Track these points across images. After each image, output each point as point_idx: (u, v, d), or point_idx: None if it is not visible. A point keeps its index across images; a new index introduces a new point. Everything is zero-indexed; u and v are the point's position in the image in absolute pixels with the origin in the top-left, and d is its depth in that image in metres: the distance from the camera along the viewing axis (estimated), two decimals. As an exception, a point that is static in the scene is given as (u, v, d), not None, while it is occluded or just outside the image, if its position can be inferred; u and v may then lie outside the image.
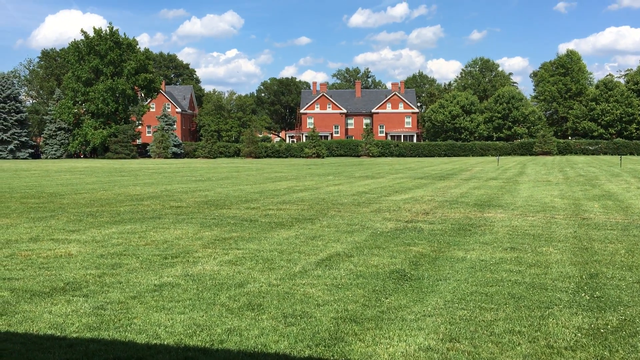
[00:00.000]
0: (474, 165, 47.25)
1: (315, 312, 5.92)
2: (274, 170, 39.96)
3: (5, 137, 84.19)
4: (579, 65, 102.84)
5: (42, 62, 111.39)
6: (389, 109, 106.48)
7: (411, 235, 10.62)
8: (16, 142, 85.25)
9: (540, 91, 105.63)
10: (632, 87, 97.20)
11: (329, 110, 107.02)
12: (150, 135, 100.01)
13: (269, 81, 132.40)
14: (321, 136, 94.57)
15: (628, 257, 8.72)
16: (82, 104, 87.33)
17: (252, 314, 5.83)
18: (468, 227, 11.75)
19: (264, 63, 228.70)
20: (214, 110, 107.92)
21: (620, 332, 5.37)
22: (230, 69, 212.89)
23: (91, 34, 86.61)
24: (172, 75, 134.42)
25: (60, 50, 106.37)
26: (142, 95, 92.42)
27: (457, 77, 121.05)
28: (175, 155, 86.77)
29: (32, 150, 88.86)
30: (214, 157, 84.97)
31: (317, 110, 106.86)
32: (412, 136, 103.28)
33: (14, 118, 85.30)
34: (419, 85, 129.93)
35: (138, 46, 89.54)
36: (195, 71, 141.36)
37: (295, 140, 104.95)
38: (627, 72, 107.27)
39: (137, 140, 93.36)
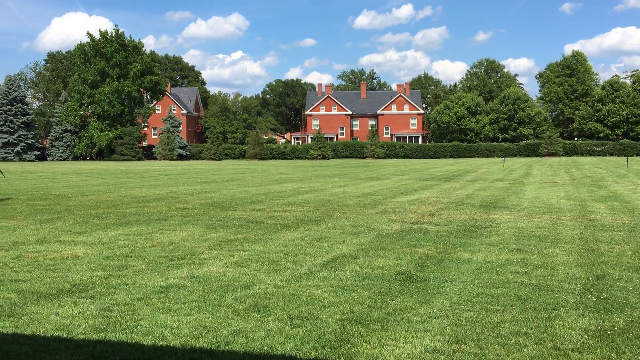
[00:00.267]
0: (479, 166, 47.17)
1: (321, 313, 5.92)
2: (280, 171, 39.98)
3: (11, 139, 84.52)
4: (585, 66, 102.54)
5: (48, 65, 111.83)
6: (394, 110, 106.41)
7: (417, 237, 10.61)
8: (23, 144, 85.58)
9: (546, 92, 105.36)
10: (638, 87, 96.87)
11: (334, 111, 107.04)
12: (156, 137, 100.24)
13: (274, 83, 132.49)
14: (326, 138, 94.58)
15: (635, 258, 8.69)
16: (88, 106, 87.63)
17: (258, 316, 5.84)
18: (474, 228, 11.73)
19: (269, 65, 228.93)
20: (220, 112, 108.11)
21: (627, 334, 5.35)
22: (236, 71, 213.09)
23: (97, 36, 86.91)
24: (177, 77, 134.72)
25: (66, 52, 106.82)
26: (148, 97, 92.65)
27: (463, 78, 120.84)
28: (181, 157, 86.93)
29: (39, 153, 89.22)
30: (220, 159, 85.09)
31: (322, 111, 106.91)
32: (418, 137, 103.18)
33: (21, 120, 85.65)
34: (424, 87, 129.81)
35: (144, 48, 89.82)
36: (200, 73, 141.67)
37: (300, 141, 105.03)
38: (634, 72, 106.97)
39: (143, 142, 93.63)
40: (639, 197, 18.19)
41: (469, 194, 19.71)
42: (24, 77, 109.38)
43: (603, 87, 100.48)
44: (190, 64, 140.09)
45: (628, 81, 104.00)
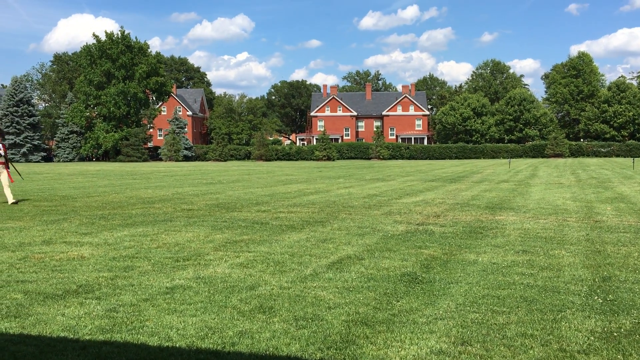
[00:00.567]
0: (485, 167, 47.09)
1: (327, 315, 5.92)
2: (285, 173, 40.01)
3: (18, 141, 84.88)
4: (591, 67, 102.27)
5: (54, 66, 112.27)
6: (399, 111, 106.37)
7: (422, 238, 10.60)
8: (29, 145, 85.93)
9: (551, 93, 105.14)
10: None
11: (340, 112, 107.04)
12: (161, 138, 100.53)
13: (279, 84, 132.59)
14: (331, 139, 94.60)
15: (641, 260, 8.65)
16: (94, 108, 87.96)
17: (264, 317, 5.84)
18: (479, 229, 11.71)
19: (275, 66, 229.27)
20: (225, 113, 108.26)
21: (634, 336, 5.33)
22: (241, 72, 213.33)
23: (103, 37, 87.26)
24: (183, 79, 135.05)
25: (72, 54, 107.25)
26: (154, 98, 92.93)
27: (468, 79, 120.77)
28: (187, 158, 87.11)
29: (45, 154, 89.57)
30: (225, 160, 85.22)
31: (327, 113, 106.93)
32: (423, 138, 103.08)
33: (27, 121, 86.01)
34: (429, 88, 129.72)
35: (149, 50, 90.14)
36: (206, 74, 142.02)
37: (305, 143, 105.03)
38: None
39: (149, 144, 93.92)
40: (646, 199, 18.12)
41: (475, 195, 19.68)
42: (30, 78, 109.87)
43: (609, 88, 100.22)
44: (195, 65, 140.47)
45: (634, 82, 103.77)
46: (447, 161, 73.94)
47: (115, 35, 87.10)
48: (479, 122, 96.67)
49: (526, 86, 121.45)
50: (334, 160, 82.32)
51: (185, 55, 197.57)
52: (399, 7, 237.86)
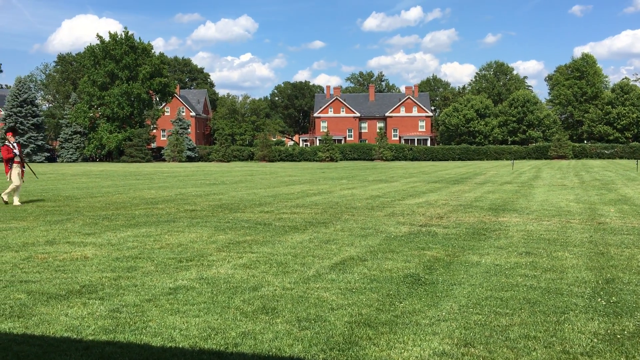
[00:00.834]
0: (488, 169, 47.04)
1: (329, 316, 5.92)
2: (288, 174, 40.02)
3: (21, 141, 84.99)
4: (595, 69, 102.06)
5: (58, 67, 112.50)
6: (402, 112, 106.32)
7: (425, 240, 10.59)
8: (32, 145, 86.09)
9: (555, 95, 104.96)
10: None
11: (343, 114, 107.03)
12: (164, 139, 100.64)
13: (282, 85, 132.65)
14: (335, 140, 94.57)
15: (645, 262, 8.63)
16: (97, 108, 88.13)
17: (267, 318, 5.85)
18: (482, 231, 11.69)
19: (278, 67, 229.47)
20: (228, 114, 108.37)
21: (637, 338, 5.32)
22: (244, 73, 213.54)
23: (107, 38, 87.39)
24: (186, 80, 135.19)
25: (76, 54, 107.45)
26: (157, 99, 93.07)
27: (472, 80, 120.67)
28: (190, 159, 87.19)
29: (48, 154, 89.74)
30: (228, 161, 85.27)
31: (330, 114, 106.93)
32: (426, 140, 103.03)
33: (31, 122, 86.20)
34: (433, 89, 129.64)
35: (153, 50, 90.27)
36: (209, 75, 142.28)
37: (308, 144, 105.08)
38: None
39: (152, 144, 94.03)
40: (649, 201, 18.08)
41: (478, 197, 19.66)
42: (34, 79, 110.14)
43: (613, 90, 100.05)
44: (199, 66, 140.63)
45: (638, 84, 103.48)
46: (451, 162, 73.90)
47: (119, 36, 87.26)
48: (483, 123, 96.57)
49: (530, 88, 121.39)
50: (337, 161, 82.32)
51: (188, 56, 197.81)
52: (402, 8, 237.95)
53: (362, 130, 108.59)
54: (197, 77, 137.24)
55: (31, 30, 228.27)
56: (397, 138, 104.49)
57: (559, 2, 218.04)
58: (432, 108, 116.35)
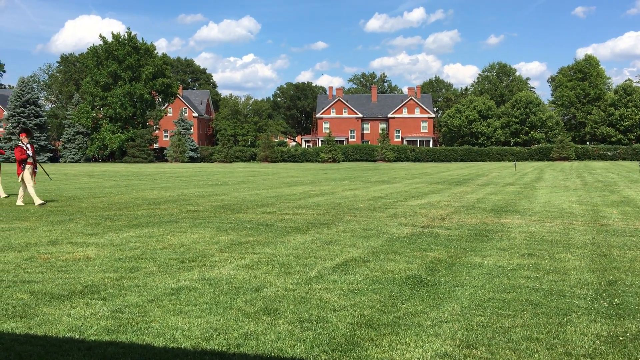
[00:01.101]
0: (490, 170, 47.00)
1: (332, 317, 5.92)
2: (290, 174, 40.03)
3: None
4: (597, 70, 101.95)
5: (61, 67, 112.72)
6: (405, 113, 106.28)
7: (427, 241, 10.59)
8: (35, 146, 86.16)
9: (558, 96, 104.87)
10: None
11: (345, 115, 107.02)
12: (167, 139, 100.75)
13: (285, 86, 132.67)
14: (337, 141, 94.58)
15: (647, 264, 8.62)
16: (100, 109, 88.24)
17: (269, 319, 5.85)
18: (485, 232, 11.69)
19: (281, 68, 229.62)
20: (231, 115, 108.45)
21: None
22: (247, 74, 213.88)
23: (110, 39, 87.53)
24: (189, 80, 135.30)
25: (79, 55, 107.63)
26: (160, 99, 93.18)
27: (474, 81, 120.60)
28: (192, 160, 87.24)
29: (51, 154, 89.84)
30: (230, 162, 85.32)
31: (333, 114, 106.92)
32: (429, 141, 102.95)
33: (34, 122, 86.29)
34: (435, 90, 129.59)
35: (156, 51, 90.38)
36: (212, 76, 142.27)
37: (311, 144, 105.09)
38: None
39: (154, 145, 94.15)
40: (652, 202, 18.05)
41: (480, 198, 19.65)
42: (37, 79, 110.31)
43: (616, 91, 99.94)
44: (201, 67, 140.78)
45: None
46: (453, 164, 73.84)
47: (122, 37, 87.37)
48: (485, 124, 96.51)
49: (532, 89, 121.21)
50: (339, 162, 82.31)
51: (191, 57, 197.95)
52: (405, 9, 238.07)
53: (365, 132, 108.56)
54: (199, 78, 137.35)
55: (34, 30, 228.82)
56: (400, 139, 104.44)
57: (561, 4, 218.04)
58: (435, 109, 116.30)
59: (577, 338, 5.35)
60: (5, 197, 19.64)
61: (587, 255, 9.31)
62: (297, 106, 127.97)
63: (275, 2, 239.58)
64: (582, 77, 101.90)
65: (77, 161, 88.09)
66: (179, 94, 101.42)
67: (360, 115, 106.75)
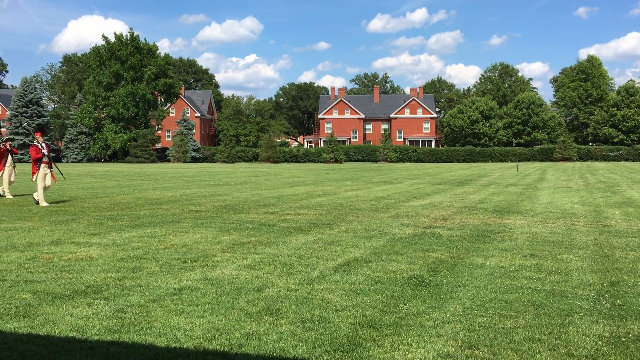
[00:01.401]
0: (493, 171, 46.96)
1: (334, 317, 5.92)
2: (292, 175, 40.04)
3: (27, 141, 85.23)
4: (600, 71, 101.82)
5: (63, 67, 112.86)
6: (407, 114, 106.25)
7: (429, 241, 10.58)
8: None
9: (560, 97, 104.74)
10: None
11: (347, 115, 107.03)
12: (169, 139, 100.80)
13: (287, 86, 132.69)
14: (339, 141, 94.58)
15: (650, 265, 8.61)
16: (102, 109, 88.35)
17: (271, 319, 5.85)
18: (487, 233, 11.68)
19: (283, 68, 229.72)
20: (233, 115, 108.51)
21: (642, 341, 5.30)
22: (249, 74, 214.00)
23: (112, 39, 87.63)
24: (191, 80, 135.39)
25: (81, 55, 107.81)
26: (162, 100, 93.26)
27: (476, 82, 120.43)
28: (194, 160, 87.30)
29: (54, 154, 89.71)
30: (233, 162, 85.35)
31: (335, 115, 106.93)
32: (431, 141, 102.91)
33: (36, 122, 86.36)
34: (437, 91, 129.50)
35: (158, 51, 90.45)
36: (214, 76, 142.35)
37: (313, 145, 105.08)
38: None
39: (157, 145, 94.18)
40: (655, 203, 18.02)
41: (482, 199, 19.63)
42: (39, 79, 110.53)
43: (618, 92, 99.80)
44: (204, 67, 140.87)
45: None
46: (455, 164, 73.79)
47: (125, 37, 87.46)
48: (487, 125, 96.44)
49: (535, 89, 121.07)
50: (341, 162, 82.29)
51: (193, 57, 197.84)
52: (407, 9, 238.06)
53: (367, 132, 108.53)
54: (202, 78, 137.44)
55: (37, 30, 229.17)
56: (402, 140, 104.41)
57: (564, 4, 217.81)
58: (437, 110, 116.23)
59: (579, 339, 5.34)
60: (11, 197, 19.65)
61: (590, 256, 9.30)
62: (300, 106, 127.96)
63: (278, 2, 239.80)
64: (584, 78, 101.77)
65: (79, 161, 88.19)
66: (181, 94, 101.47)
67: (363, 116, 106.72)
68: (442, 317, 5.93)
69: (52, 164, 17.77)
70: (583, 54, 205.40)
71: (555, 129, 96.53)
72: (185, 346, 5.10)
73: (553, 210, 15.96)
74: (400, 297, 6.69)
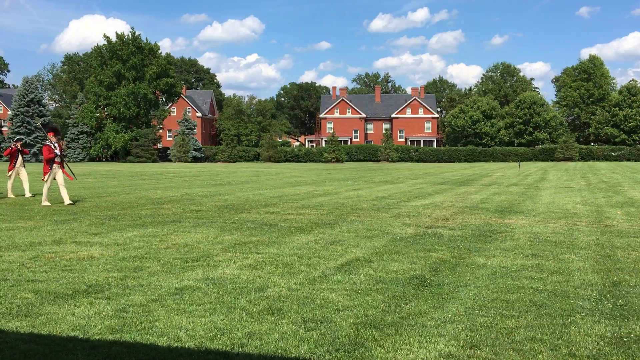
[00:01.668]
0: (494, 170, 46.93)
1: (335, 317, 5.92)
2: (294, 174, 40.04)
3: (28, 141, 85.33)
4: (602, 71, 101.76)
5: (65, 67, 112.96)
6: (408, 114, 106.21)
7: (431, 241, 10.58)
8: (39, 145, 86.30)
9: (562, 96, 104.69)
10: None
11: (349, 115, 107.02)
12: (171, 139, 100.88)
13: (288, 86, 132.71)
14: (340, 141, 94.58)
15: (652, 265, 8.60)
16: (104, 108, 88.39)
17: (272, 318, 5.86)
18: (489, 233, 11.67)
19: (284, 68, 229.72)
20: (234, 115, 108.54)
21: (644, 341, 5.30)
22: (251, 74, 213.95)
23: (114, 38, 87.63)
24: (193, 80, 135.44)
25: (83, 54, 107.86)
26: (163, 99, 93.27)
27: (478, 82, 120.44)
28: (196, 159, 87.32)
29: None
30: (234, 161, 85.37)
31: (336, 115, 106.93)
32: (432, 141, 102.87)
33: (39, 122, 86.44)
34: (439, 90, 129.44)
35: (160, 51, 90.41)
36: (215, 76, 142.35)
37: (314, 144, 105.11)
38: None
39: (158, 144, 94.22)
40: (656, 203, 18.00)
41: (484, 199, 19.62)
42: (41, 78, 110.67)
43: (620, 92, 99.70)
44: (205, 67, 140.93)
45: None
46: (457, 164, 73.75)
47: (126, 37, 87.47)
48: (489, 125, 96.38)
49: (536, 89, 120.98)
50: (342, 162, 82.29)
51: (195, 57, 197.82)
52: (409, 9, 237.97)
53: (368, 132, 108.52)
54: (203, 78, 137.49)
55: (39, 30, 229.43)
56: (403, 139, 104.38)
57: (566, 4, 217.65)
58: (438, 109, 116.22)
59: (581, 339, 5.34)
60: (12, 197, 19.68)
61: (591, 256, 9.30)
62: (301, 106, 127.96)
63: (279, 2, 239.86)
64: (586, 78, 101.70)
65: (80, 161, 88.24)
66: (182, 94, 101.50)
67: (364, 116, 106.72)
68: (444, 317, 5.93)
69: (65, 164, 17.86)
70: (585, 53, 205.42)
71: (557, 128, 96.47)
72: (186, 346, 5.10)
73: (555, 210, 15.95)
74: (401, 297, 6.69)
